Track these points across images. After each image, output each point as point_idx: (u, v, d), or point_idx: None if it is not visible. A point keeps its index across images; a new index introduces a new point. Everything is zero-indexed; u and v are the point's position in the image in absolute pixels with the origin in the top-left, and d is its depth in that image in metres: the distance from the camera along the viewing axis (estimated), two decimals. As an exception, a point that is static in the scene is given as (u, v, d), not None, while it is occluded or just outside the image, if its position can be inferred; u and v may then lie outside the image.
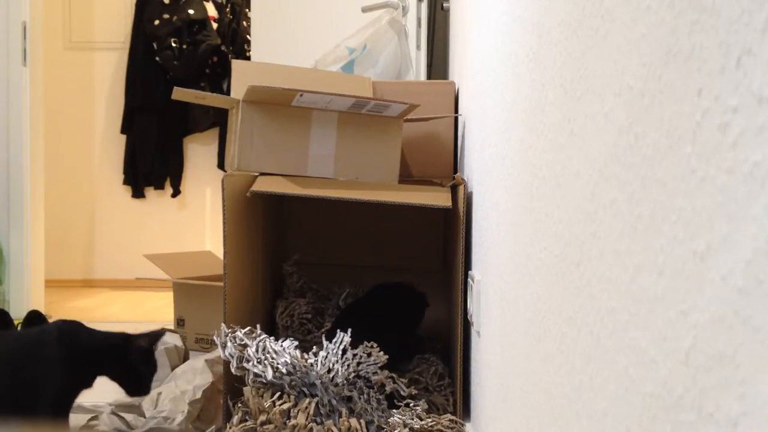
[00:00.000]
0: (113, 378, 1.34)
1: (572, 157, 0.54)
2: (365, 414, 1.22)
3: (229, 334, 1.27)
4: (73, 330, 1.32)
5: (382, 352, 1.28)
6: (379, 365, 1.27)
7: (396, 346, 1.52)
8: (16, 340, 1.32)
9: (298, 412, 1.19)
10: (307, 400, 1.20)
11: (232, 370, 1.24)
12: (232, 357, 1.24)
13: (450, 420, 1.28)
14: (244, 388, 1.24)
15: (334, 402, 1.21)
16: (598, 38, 0.48)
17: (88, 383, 1.33)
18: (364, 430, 1.18)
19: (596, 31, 0.49)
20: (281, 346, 1.27)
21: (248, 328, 1.30)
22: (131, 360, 1.32)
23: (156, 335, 1.37)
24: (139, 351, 1.32)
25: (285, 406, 1.20)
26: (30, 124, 2.86)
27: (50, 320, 2.32)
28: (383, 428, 1.22)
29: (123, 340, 1.33)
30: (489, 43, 1.12)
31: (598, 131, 0.48)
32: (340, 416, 1.19)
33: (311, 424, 1.17)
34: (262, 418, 1.19)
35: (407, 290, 1.64)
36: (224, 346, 1.26)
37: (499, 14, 1.00)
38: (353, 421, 1.18)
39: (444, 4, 2.62)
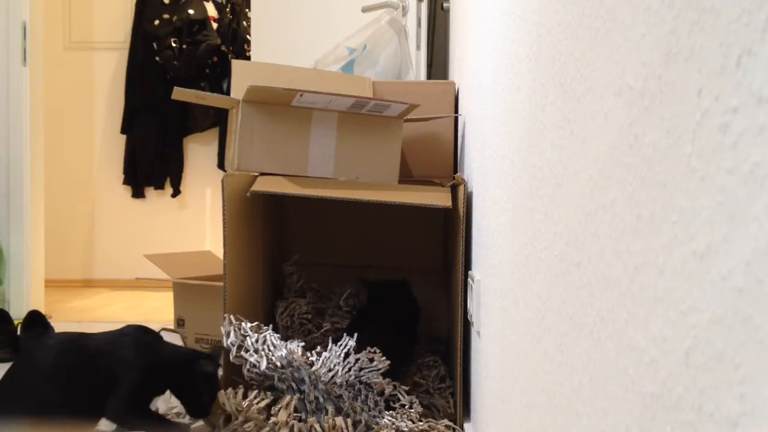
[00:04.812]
0: (176, 394, 1.37)
1: (572, 157, 0.54)
2: (353, 413, 1.21)
3: (235, 324, 1.28)
4: (149, 341, 1.36)
5: (384, 357, 1.27)
6: (381, 371, 1.26)
7: (405, 351, 1.53)
8: (99, 340, 1.36)
9: (279, 409, 1.19)
10: (288, 397, 1.20)
11: (231, 357, 1.25)
12: (233, 345, 1.25)
13: (446, 426, 1.27)
14: (219, 393, 1.26)
15: (321, 399, 1.20)
16: (598, 38, 0.48)
17: (157, 392, 1.36)
18: (350, 429, 1.17)
19: (596, 31, 0.49)
20: (285, 344, 1.28)
21: (256, 323, 1.31)
22: (195, 381, 1.33)
23: (217, 356, 1.37)
24: (204, 374, 1.32)
25: (262, 404, 1.21)
26: (30, 123, 2.86)
27: (50, 320, 2.32)
28: (372, 428, 1.21)
29: (191, 359, 1.34)
30: (489, 43, 1.12)
31: (598, 131, 0.48)
32: (326, 414, 1.19)
33: (293, 421, 1.17)
34: (241, 418, 1.20)
35: (403, 289, 1.64)
36: (227, 335, 1.27)
37: (499, 14, 1.00)
38: (339, 420, 1.17)
39: (444, 4, 2.62)
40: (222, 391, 1.26)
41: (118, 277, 4.00)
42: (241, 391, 1.25)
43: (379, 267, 1.83)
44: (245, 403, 1.22)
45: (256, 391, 1.24)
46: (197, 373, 1.32)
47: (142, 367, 1.31)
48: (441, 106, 1.74)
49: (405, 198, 1.39)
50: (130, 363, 1.31)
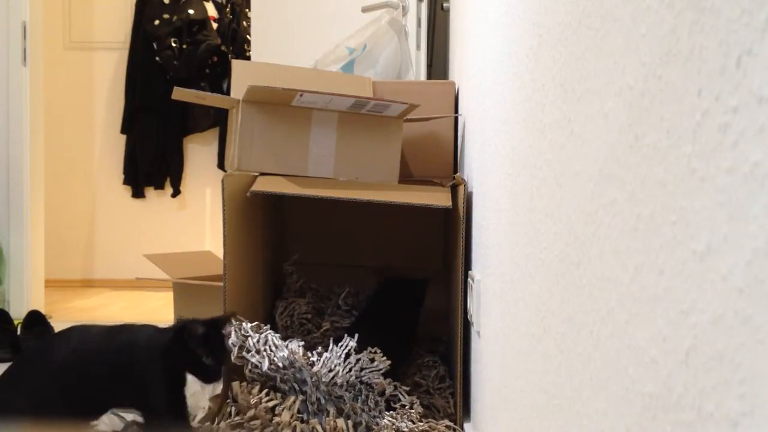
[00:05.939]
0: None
1: (572, 157, 0.54)
2: (354, 414, 1.22)
3: (236, 325, 1.28)
4: (154, 333, 1.30)
5: (385, 357, 1.28)
6: (381, 371, 1.26)
7: (406, 351, 1.52)
8: (103, 341, 1.30)
9: (283, 409, 1.19)
10: (292, 398, 1.20)
11: (232, 358, 1.25)
12: (234, 346, 1.25)
13: (446, 426, 1.27)
14: (232, 383, 1.24)
15: (322, 400, 1.21)
16: (598, 38, 0.48)
17: (182, 379, 1.29)
18: (350, 431, 1.18)
19: (596, 31, 0.49)
20: (286, 344, 1.28)
21: (256, 323, 1.31)
22: (191, 347, 1.25)
23: (218, 321, 1.28)
24: (195, 337, 1.24)
25: (271, 404, 1.21)
26: (30, 124, 2.86)
27: (50, 320, 2.32)
28: (372, 429, 1.22)
29: (178, 330, 1.26)
30: (489, 43, 1.12)
31: (598, 131, 0.48)
32: (328, 415, 1.19)
33: (295, 422, 1.17)
34: (250, 413, 1.20)
35: (409, 286, 1.63)
36: (228, 336, 1.27)
37: (499, 14, 1.00)
38: (340, 422, 1.17)
39: (444, 4, 2.62)
40: (236, 383, 1.24)
41: (118, 277, 4.00)
42: (257, 388, 1.24)
43: (379, 267, 1.83)
44: (253, 400, 1.22)
45: (266, 390, 1.24)
46: (187, 338, 1.25)
47: (161, 358, 1.26)
48: (441, 106, 1.74)
49: (405, 198, 1.39)
50: (150, 360, 1.26)
